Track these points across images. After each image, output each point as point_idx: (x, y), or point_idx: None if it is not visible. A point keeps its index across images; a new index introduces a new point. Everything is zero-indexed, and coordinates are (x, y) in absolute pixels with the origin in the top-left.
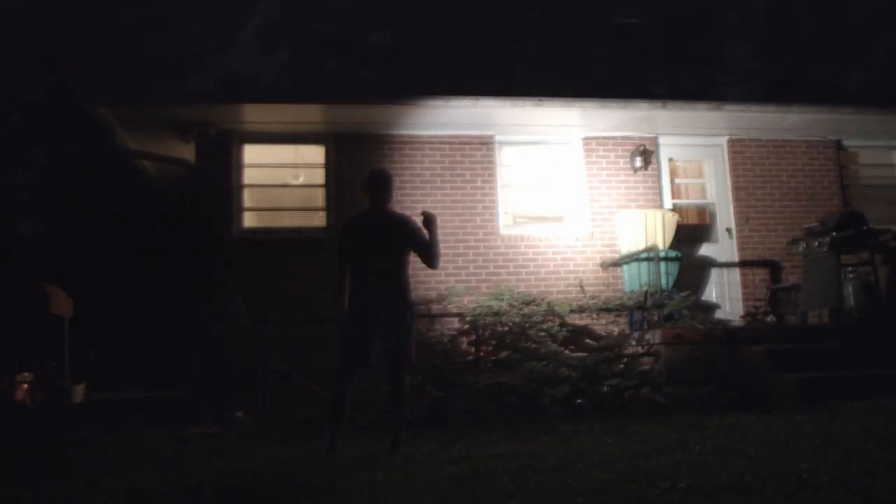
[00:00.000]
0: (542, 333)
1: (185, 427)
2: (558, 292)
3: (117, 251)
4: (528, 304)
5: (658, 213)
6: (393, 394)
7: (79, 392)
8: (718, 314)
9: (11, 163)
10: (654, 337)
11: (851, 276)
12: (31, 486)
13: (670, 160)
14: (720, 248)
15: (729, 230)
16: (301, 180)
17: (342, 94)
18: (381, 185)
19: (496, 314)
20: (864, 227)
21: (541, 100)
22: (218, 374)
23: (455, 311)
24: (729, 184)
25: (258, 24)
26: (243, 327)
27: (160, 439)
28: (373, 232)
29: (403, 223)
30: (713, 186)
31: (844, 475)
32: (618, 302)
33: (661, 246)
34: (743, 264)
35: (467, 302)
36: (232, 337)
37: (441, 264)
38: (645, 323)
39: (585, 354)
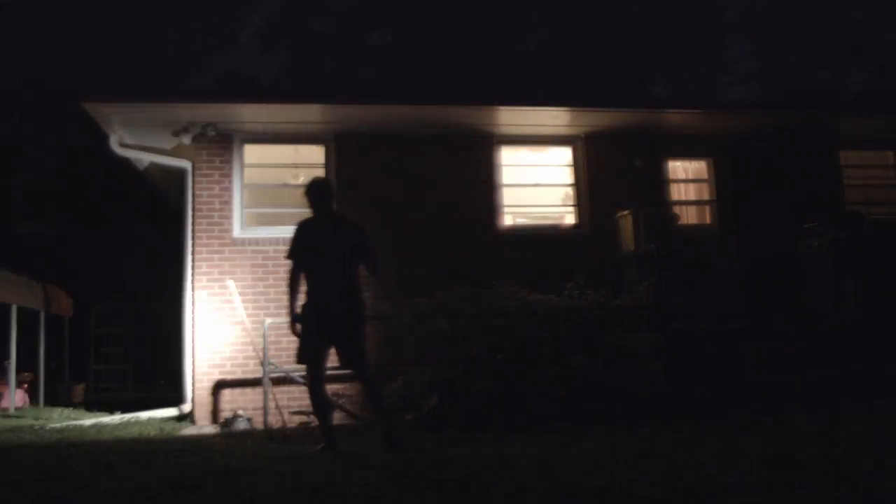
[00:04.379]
0: (542, 333)
1: (184, 426)
2: (558, 292)
3: (117, 251)
4: (527, 304)
5: (657, 213)
6: (366, 392)
7: (78, 392)
8: (718, 314)
9: (11, 163)
10: (654, 337)
11: (851, 275)
12: (25, 487)
13: (670, 160)
14: (720, 247)
15: (729, 230)
16: (301, 180)
17: (342, 94)
18: (320, 193)
19: (496, 314)
20: (864, 227)
21: (541, 100)
22: (218, 374)
23: (454, 310)
24: (729, 183)
25: (258, 23)
26: (245, 327)
27: (160, 439)
28: (324, 238)
29: (353, 230)
30: (713, 186)
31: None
32: (617, 301)
33: (660, 246)
34: (742, 264)
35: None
36: (233, 337)
37: (440, 264)
38: (644, 323)
39: (585, 355)
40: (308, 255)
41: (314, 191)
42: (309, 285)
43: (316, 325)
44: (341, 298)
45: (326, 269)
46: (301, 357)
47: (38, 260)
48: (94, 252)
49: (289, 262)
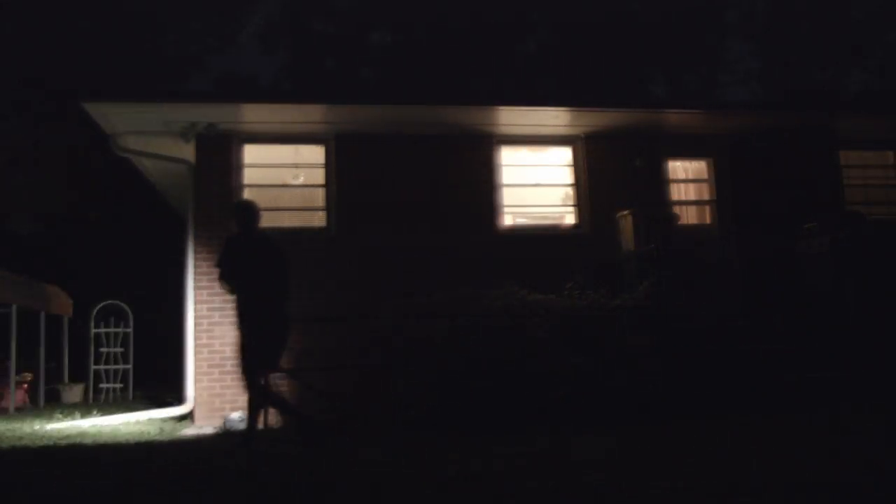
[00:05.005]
0: (542, 333)
1: (184, 426)
2: (558, 292)
3: (117, 251)
4: (527, 304)
5: (657, 213)
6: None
7: (78, 392)
8: (718, 314)
9: (11, 163)
10: (654, 337)
11: (851, 275)
12: (25, 487)
13: (670, 160)
14: (720, 247)
15: (729, 230)
16: (301, 180)
17: (342, 94)
18: (247, 213)
19: (496, 314)
20: (864, 227)
21: (541, 100)
22: (218, 374)
23: (454, 310)
24: (729, 183)
25: (258, 24)
26: (242, 327)
27: (160, 439)
28: (250, 253)
29: (272, 248)
30: (713, 186)
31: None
32: (617, 301)
33: (660, 246)
34: (742, 264)
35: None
36: (233, 337)
37: (440, 264)
38: (644, 323)
39: (585, 355)
40: (237, 268)
41: (241, 212)
42: (238, 297)
43: (252, 335)
44: (265, 307)
45: (251, 281)
46: (263, 364)
47: (38, 260)
48: (94, 252)
49: (217, 270)
